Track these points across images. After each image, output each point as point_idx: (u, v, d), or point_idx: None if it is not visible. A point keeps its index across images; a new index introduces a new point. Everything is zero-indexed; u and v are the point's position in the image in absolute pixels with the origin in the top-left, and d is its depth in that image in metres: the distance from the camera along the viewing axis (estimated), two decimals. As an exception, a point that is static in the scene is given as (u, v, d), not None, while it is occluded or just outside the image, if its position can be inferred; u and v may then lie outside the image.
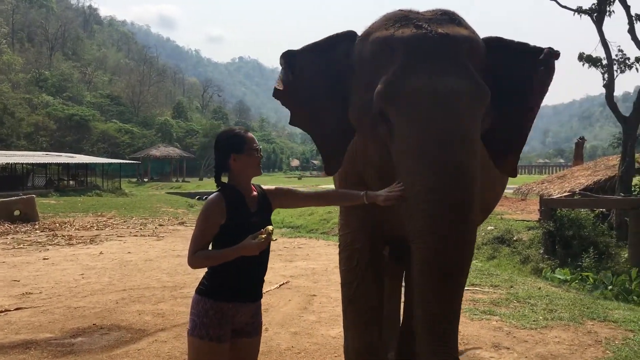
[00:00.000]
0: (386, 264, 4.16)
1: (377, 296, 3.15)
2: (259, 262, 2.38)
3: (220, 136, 2.48)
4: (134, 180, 43.93)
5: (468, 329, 4.99)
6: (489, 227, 12.97)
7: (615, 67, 13.39)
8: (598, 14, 13.40)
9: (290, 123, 2.92)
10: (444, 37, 2.43)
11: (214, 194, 2.38)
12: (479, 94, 2.41)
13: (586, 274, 9.58)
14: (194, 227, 2.38)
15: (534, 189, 16.41)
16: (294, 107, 2.84)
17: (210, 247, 2.36)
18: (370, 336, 3.11)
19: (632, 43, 13.06)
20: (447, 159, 2.28)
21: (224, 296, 2.33)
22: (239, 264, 2.30)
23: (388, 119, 2.43)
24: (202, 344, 2.30)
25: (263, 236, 2.26)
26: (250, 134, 2.46)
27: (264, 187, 2.56)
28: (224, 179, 2.44)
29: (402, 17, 2.57)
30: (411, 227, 2.36)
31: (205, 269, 2.40)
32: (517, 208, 17.14)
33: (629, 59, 13.47)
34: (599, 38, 13.35)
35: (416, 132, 2.35)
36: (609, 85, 13.31)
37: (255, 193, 2.46)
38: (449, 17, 2.58)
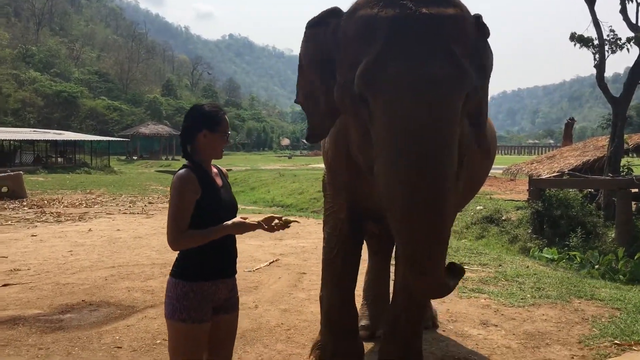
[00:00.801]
0: (376, 241, 4.17)
1: (354, 261, 3.43)
2: (233, 238, 2.43)
3: (199, 107, 2.44)
4: (123, 158, 43.66)
5: (456, 306, 5.04)
6: (478, 207, 13.02)
7: (606, 48, 13.35)
8: (591, -6, 13.32)
9: (295, 101, 2.99)
10: (428, 18, 2.33)
11: (183, 170, 2.34)
12: (462, 80, 2.33)
13: (573, 253, 9.66)
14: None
15: (523, 169, 16.48)
16: (298, 84, 2.91)
17: None
18: (343, 294, 3.44)
19: (624, 23, 13.03)
20: (419, 151, 2.24)
21: (202, 275, 2.32)
22: (215, 242, 2.30)
23: (367, 102, 2.40)
24: (185, 327, 2.29)
25: (254, 221, 2.32)
26: (227, 118, 2.45)
27: (219, 167, 2.57)
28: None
29: None
30: (389, 216, 2.37)
31: (179, 252, 2.38)
32: (506, 188, 17.23)
33: (620, 39, 13.41)
34: (591, 18, 13.29)
35: (391, 121, 2.30)
36: (600, 66, 13.29)
37: (215, 170, 2.48)
38: None
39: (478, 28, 2.56)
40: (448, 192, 2.29)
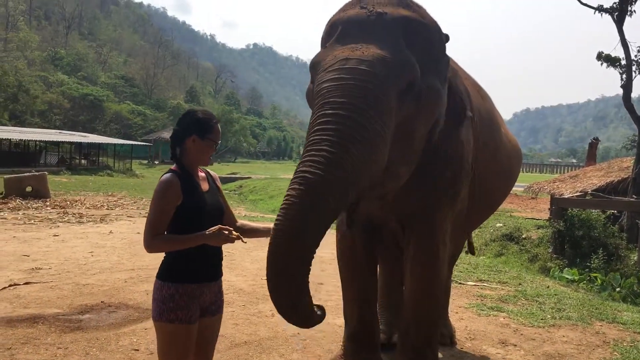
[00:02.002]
0: (384, 248, 4.14)
1: (369, 274, 3.44)
2: None
3: (192, 113, 2.47)
4: (145, 162, 44.15)
5: (475, 324, 4.98)
6: (498, 224, 12.92)
7: (633, 68, 13.24)
8: (619, 13, 13.22)
9: None
10: (379, 15, 2.56)
11: (167, 174, 2.38)
12: (399, 63, 2.43)
13: (594, 274, 9.51)
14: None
15: (545, 187, 16.32)
16: None
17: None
18: (364, 310, 3.42)
19: (653, 44, 12.91)
20: (323, 138, 2.24)
21: (188, 278, 2.34)
22: (199, 246, 2.31)
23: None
24: (172, 328, 2.31)
25: (235, 234, 2.30)
26: (218, 127, 2.47)
27: (209, 171, 2.59)
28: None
29: (356, 1, 2.72)
30: None
31: (163, 254, 2.40)
32: (527, 206, 17.07)
33: (648, 60, 13.30)
34: (618, 38, 13.18)
35: (316, 101, 2.39)
36: (627, 86, 13.16)
37: (202, 174, 2.50)
38: (398, 1, 2.70)
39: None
40: (336, 176, 2.19)
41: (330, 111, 2.28)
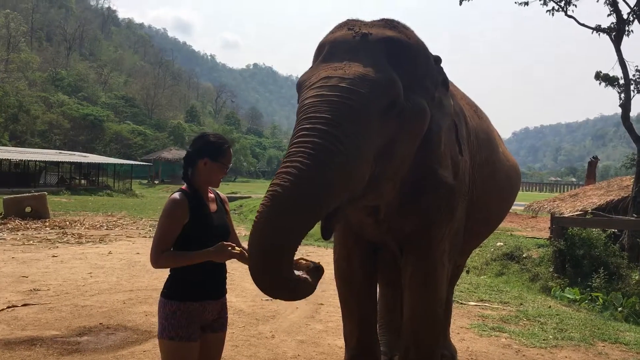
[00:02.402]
0: (383, 270, 4.12)
1: (368, 295, 3.42)
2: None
3: (205, 136, 2.56)
4: (145, 181, 44.16)
5: (476, 345, 4.94)
6: (499, 243, 12.88)
7: (632, 87, 13.30)
8: (616, 33, 13.31)
9: None
10: (364, 36, 2.62)
11: (177, 192, 2.45)
12: (381, 81, 2.45)
13: (596, 294, 9.46)
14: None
15: (546, 206, 16.32)
16: None
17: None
18: (363, 332, 3.40)
19: (651, 64, 12.97)
20: (299, 150, 2.25)
21: (189, 296, 2.40)
22: (202, 264, 2.37)
23: None
24: (173, 345, 2.37)
25: (238, 249, 2.37)
26: (230, 151, 2.55)
27: (219, 193, 2.66)
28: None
29: (344, 24, 2.79)
30: None
31: (168, 272, 2.47)
32: (527, 225, 17.04)
33: (646, 79, 13.38)
34: (616, 57, 13.26)
35: (298, 117, 2.42)
36: (626, 105, 13.21)
37: (212, 195, 2.57)
38: (385, 23, 2.77)
39: (437, 65, 2.89)
40: (312, 191, 2.20)
41: (309, 125, 2.30)
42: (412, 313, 3.19)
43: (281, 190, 2.17)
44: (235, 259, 2.41)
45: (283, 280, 2.19)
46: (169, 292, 2.43)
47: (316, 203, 2.23)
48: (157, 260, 2.36)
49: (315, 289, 2.30)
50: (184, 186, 2.50)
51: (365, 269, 3.38)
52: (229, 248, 2.35)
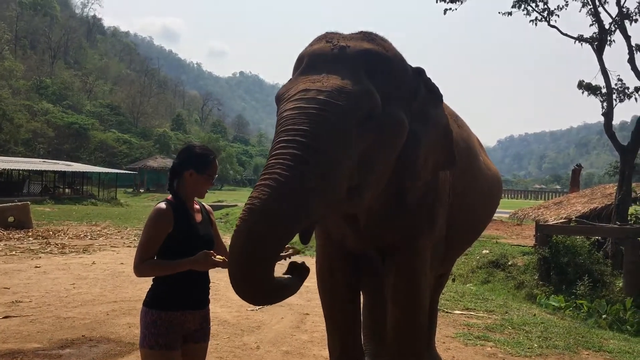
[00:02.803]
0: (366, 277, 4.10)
1: (351, 303, 3.42)
2: (203, 271, 2.48)
3: (191, 148, 2.57)
4: (130, 190, 43.84)
5: (462, 354, 4.95)
6: (484, 251, 12.93)
7: (614, 96, 13.46)
8: (599, 43, 13.49)
9: None
10: (342, 48, 2.64)
11: (162, 202, 2.47)
12: (358, 93, 2.47)
13: (580, 301, 9.53)
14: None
15: (530, 214, 16.42)
16: None
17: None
18: (346, 341, 3.41)
19: (632, 73, 13.14)
20: (277, 162, 2.27)
21: (170, 305, 2.41)
22: (184, 273, 2.39)
23: None
24: (154, 354, 2.37)
25: (220, 258, 2.37)
26: (216, 163, 2.58)
27: (204, 204, 2.69)
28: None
29: (323, 36, 2.82)
30: None
31: (151, 282, 2.49)
32: (512, 232, 17.12)
33: (628, 88, 13.55)
34: (599, 67, 13.42)
35: (276, 129, 2.44)
36: (608, 114, 13.36)
37: (197, 207, 2.59)
38: (363, 35, 2.79)
39: (418, 77, 2.90)
40: (293, 205, 2.21)
41: (287, 137, 2.32)
42: (395, 323, 3.19)
43: (259, 203, 2.18)
44: (219, 268, 2.40)
45: (262, 289, 2.20)
46: (150, 301, 2.44)
47: (295, 214, 2.23)
48: (140, 269, 2.38)
49: (297, 290, 2.31)
50: (169, 197, 2.52)
51: (348, 279, 3.37)
52: (212, 257, 2.35)
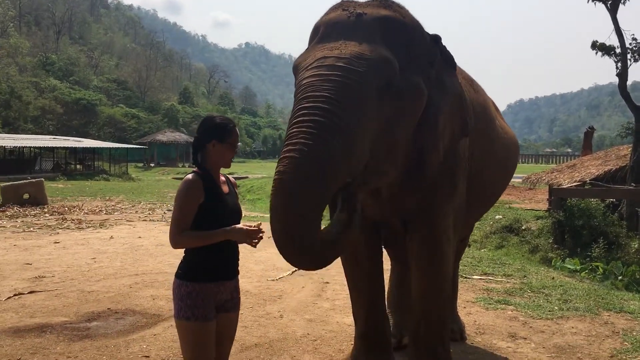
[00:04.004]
0: (392, 249, 4.11)
1: (375, 274, 3.45)
2: (231, 241, 2.49)
3: (210, 119, 2.58)
4: (140, 165, 43.96)
5: (483, 318, 4.98)
6: (497, 216, 12.92)
7: (628, 56, 13.24)
8: (612, 2, 13.21)
9: None
10: (358, 15, 2.62)
11: (191, 174, 2.49)
12: (376, 60, 2.46)
13: (596, 264, 9.53)
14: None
15: (543, 178, 16.34)
16: None
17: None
18: (372, 310, 3.45)
19: (646, 32, 12.91)
20: (300, 130, 2.28)
21: (204, 277, 2.44)
22: (215, 245, 2.42)
23: None
24: (190, 325, 2.41)
25: (255, 225, 2.40)
26: (237, 130, 2.57)
27: (229, 177, 2.69)
28: None
29: (339, 5, 2.79)
30: None
31: (180, 254, 2.52)
32: (524, 197, 17.07)
33: (643, 47, 13.31)
34: (612, 26, 13.17)
35: (296, 97, 2.45)
36: (622, 75, 13.17)
37: (223, 178, 2.60)
38: (379, 2, 2.77)
39: (435, 44, 2.90)
40: (318, 169, 2.23)
41: (308, 104, 2.32)
42: (421, 289, 3.22)
43: (286, 177, 2.22)
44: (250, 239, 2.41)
45: (308, 247, 2.25)
46: (183, 274, 2.46)
47: (324, 178, 2.25)
48: (177, 240, 2.40)
49: (345, 247, 2.44)
50: (195, 169, 2.53)
51: (371, 248, 3.40)
52: (247, 227, 2.39)
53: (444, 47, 2.95)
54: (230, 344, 2.66)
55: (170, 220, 2.50)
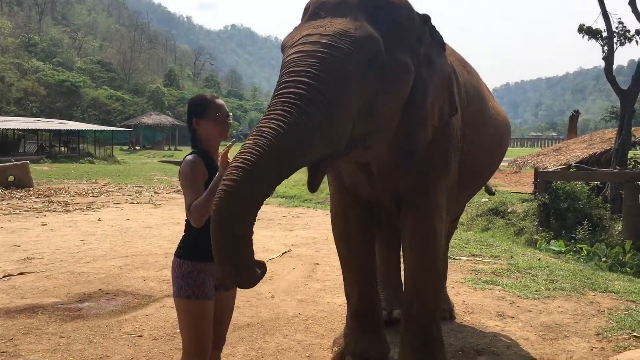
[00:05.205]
0: (387, 229, 4.14)
1: (367, 252, 3.50)
2: None
3: (189, 100, 2.57)
4: (126, 148, 43.63)
5: (472, 298, 5.06)
6: (484, 199, 13.02)
7: (615, 40, 13.31)
8: (599, -16, 13.24)
9: None
10: None
11: (190, 155, 2.46)
12: (360, 37, 2.47)
13: (580, 245, 9.66)
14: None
15: (529, 161, 16.48)
16: None
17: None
18: (364, 288, 3.51)
19: (633, 15, 12.96)
20: (280, 100, 2.26)
21: (205, 256, 2.39)
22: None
23: None
24: (190, 304, 2.42)
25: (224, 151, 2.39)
26: (217, 101, 2.53)
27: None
28: None
29: None
30: None
31: (183, 234, 2.52)
32: (510, 180, 17.22)
33: (629, 31, 13.37)
34: (599, 10, 13.23)
35: (280, 73, 2.44)
36: (608, 58, 13.24)
37: None
38: None
39: (424, 24, 2.91)
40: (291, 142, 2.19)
41: (290, 78, 2.33)
42: (413, 268, 3.26)
43: (262, 141, 2.15)
44: None
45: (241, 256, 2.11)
46: (184, 252, 2.47)
47: (301, 150, 2.24)
48: (192, 215, 2.30)
49: (258, 281, 2.18)
50: (193, 150, 2.52)
51: (363, 226, 3.44)
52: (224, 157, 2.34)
53: (434, 27, 2.96)
54: (228, 322, 2.68)
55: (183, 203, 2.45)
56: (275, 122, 2.19)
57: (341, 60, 2.39)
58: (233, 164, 2.12)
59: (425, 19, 2.93)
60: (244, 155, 2.12)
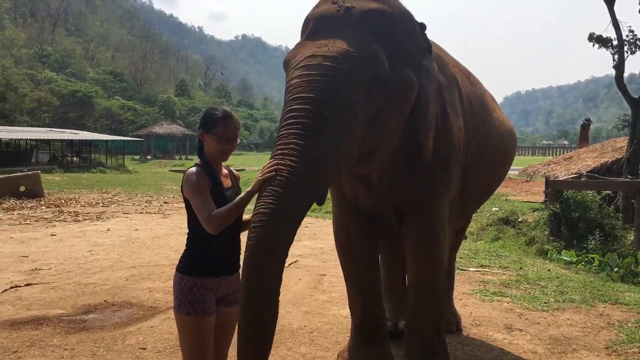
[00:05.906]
0: (390, 241, 4.11)
1: (370, 263, 3.46)
2: (232, 236, 2.46)
3: (205, 109, 2.57)
4: (137, 157, 43.89)
5: (479, 310, 5.00)
6: (494, 208, 12.93)
7: (625, 48, 13.23)
8: (610, -6, 13.17)
9: None
10: (347, 10, 2.60)
11: (192, 167, 2.45)
12: (364, 57, 2.47)
13: (592, 255, 9.55)
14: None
15: (540, 170, 16.37)
16: None
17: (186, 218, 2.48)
18: (368, 300, 3.46)
19: (644, 24, 12.89)
20: (291, 129, 2.28)
21: (205, 271, 2.41)
22: (217, 240, 2.38)
23: None
24: (190, 320, 2.39)
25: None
26: (229, 121, 2.47)
27: (233, 170, 2.66)
28: None
29: None
30: None
31: (184, 249, 2.49)
32: (521, 189, 17.11)
33: (639, 39, 13.29)
34: (609, 18, 13.15)
35: (286, 97, 2.44)
36: (619, 67, 13.15)
37: (226, 171, 2.57)
38: None
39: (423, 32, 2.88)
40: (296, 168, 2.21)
41: (297, 106, 2.32)
42: (416, 281, 3.23)
43: (281, 178, 2.20)
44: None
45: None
46: (185, 268, 2.43)
47: (316, 181, 2.28)
48: (213, 222, 2.29)
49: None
50: (198, 162, 2.51)
51: (365, 238, 3.41)
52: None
53: (425, 34, 2.95)
54: (231, 338, 2.61)
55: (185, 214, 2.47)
56: (290, 161, 2.21)
57: (345, 82, 2.40)
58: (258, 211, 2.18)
59: (422, 27, 2.92)
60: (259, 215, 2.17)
